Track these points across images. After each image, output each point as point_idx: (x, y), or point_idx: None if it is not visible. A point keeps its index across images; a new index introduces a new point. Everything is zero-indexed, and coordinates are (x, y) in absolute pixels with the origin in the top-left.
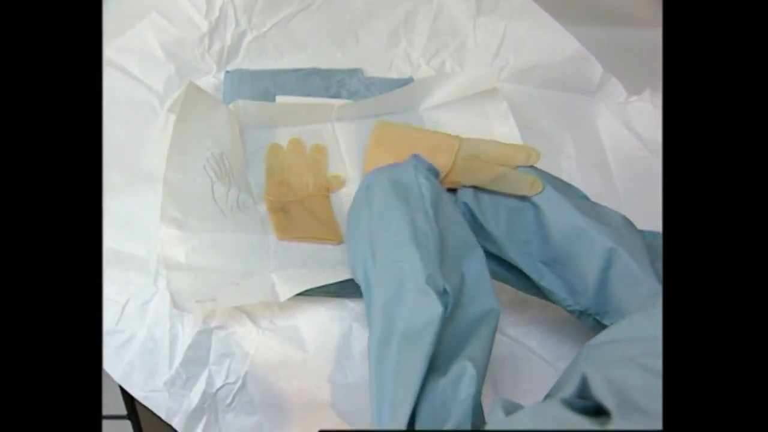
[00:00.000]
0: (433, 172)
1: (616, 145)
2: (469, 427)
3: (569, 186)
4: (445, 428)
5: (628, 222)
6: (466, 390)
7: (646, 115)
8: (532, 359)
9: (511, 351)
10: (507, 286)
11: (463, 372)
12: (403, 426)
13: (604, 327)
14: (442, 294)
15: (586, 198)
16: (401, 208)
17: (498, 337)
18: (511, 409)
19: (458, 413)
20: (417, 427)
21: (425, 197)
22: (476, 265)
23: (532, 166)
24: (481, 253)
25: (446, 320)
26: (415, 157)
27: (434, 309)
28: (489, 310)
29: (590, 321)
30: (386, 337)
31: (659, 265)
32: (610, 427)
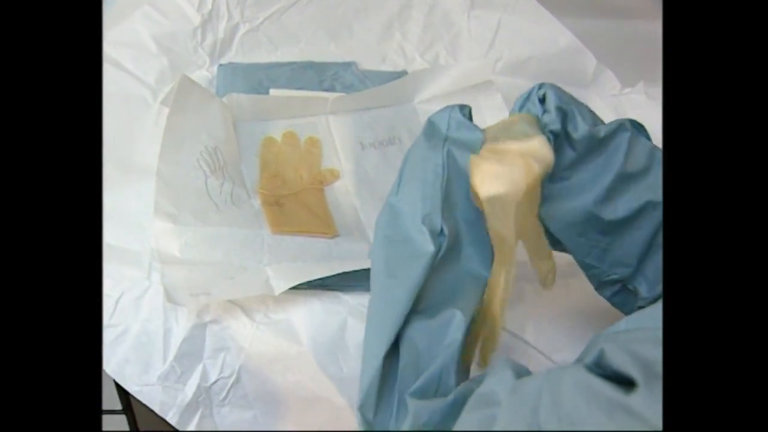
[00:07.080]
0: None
1: None
2: (453, 374)
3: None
4: (428, 371)
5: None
6: (453, 334)
7: (640, 107)
8: (528, 352)
9: (508, 344)
10: None
11: (452, 317)
12: (376, 363)
13: (617, 302)
14: (438, 234)
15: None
16: (422, 146)
17: None
18: (521, 372)
19: (443, 357)
20: (399, 367)
21: (446, 136)
22: (478, 225)
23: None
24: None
25: (439, 262)
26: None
27: (426, 247)
28: (480, 276)
29: (609, 292)
30: (376, 273)
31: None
32: (637, 396)
